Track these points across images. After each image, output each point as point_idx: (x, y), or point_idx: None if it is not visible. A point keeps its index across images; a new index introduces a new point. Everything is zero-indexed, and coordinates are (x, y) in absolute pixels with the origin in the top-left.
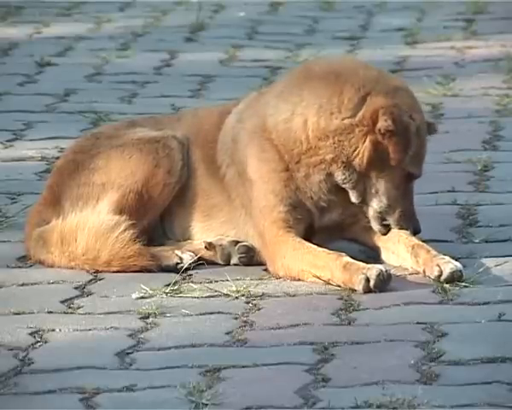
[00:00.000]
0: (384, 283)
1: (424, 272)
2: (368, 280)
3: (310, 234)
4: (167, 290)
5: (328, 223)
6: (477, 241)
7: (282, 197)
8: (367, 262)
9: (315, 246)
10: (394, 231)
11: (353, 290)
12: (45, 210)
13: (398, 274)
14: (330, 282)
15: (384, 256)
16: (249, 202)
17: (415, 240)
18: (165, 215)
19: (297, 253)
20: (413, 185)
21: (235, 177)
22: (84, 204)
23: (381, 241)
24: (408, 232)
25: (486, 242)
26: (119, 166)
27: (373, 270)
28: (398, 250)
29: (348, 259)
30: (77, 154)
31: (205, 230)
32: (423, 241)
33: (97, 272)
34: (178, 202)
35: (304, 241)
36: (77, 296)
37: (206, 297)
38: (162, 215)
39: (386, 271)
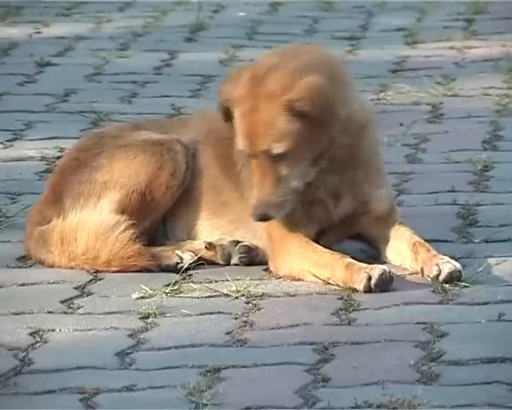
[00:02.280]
0: (386, 283)
1: (422, 270)
2: (370, 279)
3: (318, 235)
4: (167, 290)
5: (342, 215)
6: (477, 241)
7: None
8: (367, 262)
9: (321, 247)
10: (399, 229)
11: (353, 290)
12: (46, 208)
13: (398, 274)
14: (330, 281)
15: (384, 252)
16: None
17: (417, 238)
18: (168, 217)
19: (302, 251)
20: (266, 164)
21: (250, 176)
22: (85, 201)
23: (385, 237)
24: (411, 230)
25: (486, 242)
26: (123, 166)
27: (376, 269)
28: (400, 247)
29: (352, 260)
30: (80, 152)
31: (212, 228)
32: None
33: (97, 271)
34: (183, 203)
35: (311, 241)
36: (77, 296)
37: (206, 297)
38: (164, 217)
39: (389, 272)
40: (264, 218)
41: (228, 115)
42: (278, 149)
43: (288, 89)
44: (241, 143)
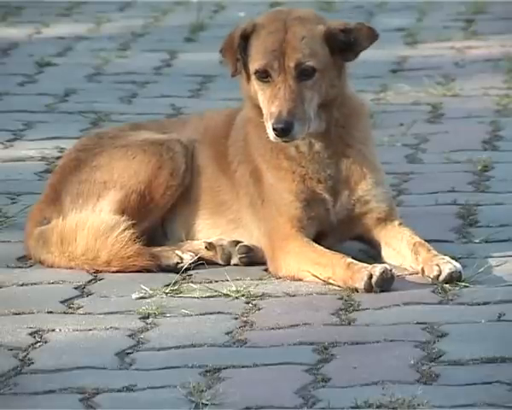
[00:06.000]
0: (387, 281)
1: (422, 270)
2: (371, 277)
3: (320, 237)
4: (167, 290)
5: (341, 214)
6: (477, 241)
7: (296, 194)
8: (368, 263)
9: (321, 247)
10: (399, 229)
11: (353, 290)
12: (46, 208)
13: (398, 274)
14: (330, 280)
15: (384, 253)
16: (260, 201)
17: (417, 238)
18: (167, 216)
19: (302, 250)
20: (289, 81)
21: (245, 175)
22: (85, 201)
23: (386, 237)
24: (411, 230)
25: (486, 242)
26: (122, 166)
27: (377, 267)
28: (400, 247)
29: (353, 260)
30: (79, 152)
31: (210, 227)
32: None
33: (97, 272)
34: (182, 203)
35: (311, 241)
36: (77, 296)
37: (206, 297)
38: (163, 216)
39: (391, 270)
40: (287, 129)
41: (236, 49)
42: (310, 62)
43: (317, 20)
44: (265, 61)
